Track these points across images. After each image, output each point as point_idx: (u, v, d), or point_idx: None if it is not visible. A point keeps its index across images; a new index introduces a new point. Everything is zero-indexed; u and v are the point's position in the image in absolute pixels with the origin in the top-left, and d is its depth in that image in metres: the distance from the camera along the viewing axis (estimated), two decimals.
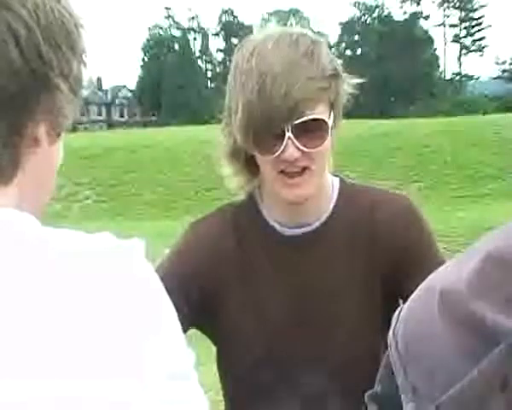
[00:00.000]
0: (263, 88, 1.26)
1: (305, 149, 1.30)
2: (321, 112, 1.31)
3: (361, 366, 1.39)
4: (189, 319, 1.33)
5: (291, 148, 1.29)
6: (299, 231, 1.41)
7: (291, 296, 1.40)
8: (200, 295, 1.40)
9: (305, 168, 1.32)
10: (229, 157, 1.40)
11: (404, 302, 0.75)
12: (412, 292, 0.74)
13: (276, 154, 1.30)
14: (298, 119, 1.28)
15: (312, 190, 1.35)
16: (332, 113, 1.34)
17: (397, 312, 0.74)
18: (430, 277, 0.74)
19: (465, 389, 0.61)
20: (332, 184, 1.45)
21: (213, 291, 1.41)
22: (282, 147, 1.29)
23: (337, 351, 1.39)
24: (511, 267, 0.64)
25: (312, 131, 1.30)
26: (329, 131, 1.32)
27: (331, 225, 1.41)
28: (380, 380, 0.76)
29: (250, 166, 1.39)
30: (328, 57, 1.33)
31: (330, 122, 1.33)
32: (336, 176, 1.47)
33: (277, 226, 1.42)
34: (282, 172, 1.32)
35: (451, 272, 0.70)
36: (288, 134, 1.28)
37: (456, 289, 0.66)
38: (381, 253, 1.40)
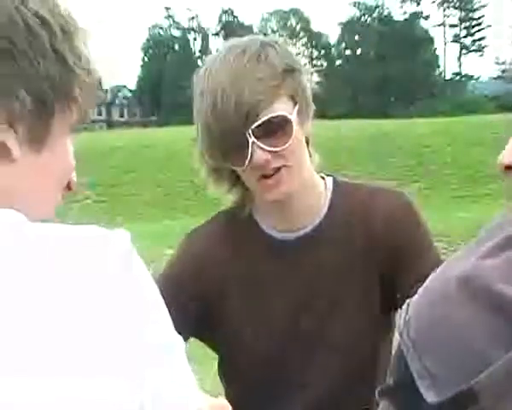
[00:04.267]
0: (215, 106, 1.26)
1: (272, 149, 1.29)
2: (279, 109, 1.29)
3: (361, 365, 1.39)
4: (188, 331, 1.30)
5: (258, 152, 1.28)
6: (293, 235, 1.40)
7: (290, 300, 1.40)
8: (198, 306, 1.41)
9: (281, 167, 1.31)
10: (214, 180, 1.40)
11: (402, 297, 0.73)
12: (410, 286, 0.72)
13: (247, 162, 1.29)
14: (255, 122, 1.27)
15: (293, 186, 1.34)
16: (296, 106, 1.32)
17: (405, 304, 0.73)
18: (441, 267, 0.73)
19: (499, 373, 0.60)
20: (325, 185, 1.44)
21: (211, 301, 1.41)
22: (249, 154, 1.28)
23: (337, 351, 1.39)
24: None
25: (275, 129, 1.29)
26: (294, 125, 1.31)
27: (327, 226, 1.41)
28: (392, 371, 0.75)
29: (237, 182, 1.39)
30: (278, 56, 1.31)
31: (294, 117, 1.31)
32: (329, 176, 1.47)
33: (272, 232, 1.42)
34: (261, 177, 1.31)
35: (466, 261, 0.69)
36: (251, 139, 1.27)
37: (479, 275, 0.65)
38: (378, 250, 1.39)
